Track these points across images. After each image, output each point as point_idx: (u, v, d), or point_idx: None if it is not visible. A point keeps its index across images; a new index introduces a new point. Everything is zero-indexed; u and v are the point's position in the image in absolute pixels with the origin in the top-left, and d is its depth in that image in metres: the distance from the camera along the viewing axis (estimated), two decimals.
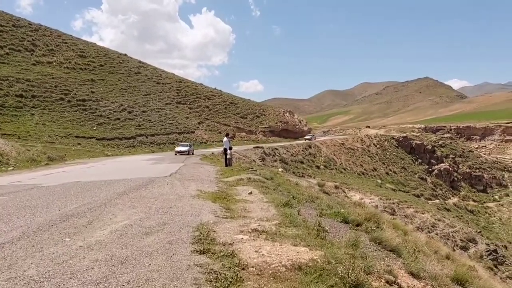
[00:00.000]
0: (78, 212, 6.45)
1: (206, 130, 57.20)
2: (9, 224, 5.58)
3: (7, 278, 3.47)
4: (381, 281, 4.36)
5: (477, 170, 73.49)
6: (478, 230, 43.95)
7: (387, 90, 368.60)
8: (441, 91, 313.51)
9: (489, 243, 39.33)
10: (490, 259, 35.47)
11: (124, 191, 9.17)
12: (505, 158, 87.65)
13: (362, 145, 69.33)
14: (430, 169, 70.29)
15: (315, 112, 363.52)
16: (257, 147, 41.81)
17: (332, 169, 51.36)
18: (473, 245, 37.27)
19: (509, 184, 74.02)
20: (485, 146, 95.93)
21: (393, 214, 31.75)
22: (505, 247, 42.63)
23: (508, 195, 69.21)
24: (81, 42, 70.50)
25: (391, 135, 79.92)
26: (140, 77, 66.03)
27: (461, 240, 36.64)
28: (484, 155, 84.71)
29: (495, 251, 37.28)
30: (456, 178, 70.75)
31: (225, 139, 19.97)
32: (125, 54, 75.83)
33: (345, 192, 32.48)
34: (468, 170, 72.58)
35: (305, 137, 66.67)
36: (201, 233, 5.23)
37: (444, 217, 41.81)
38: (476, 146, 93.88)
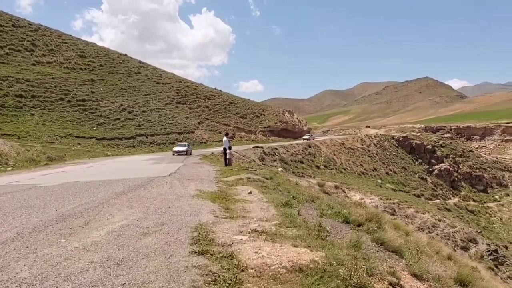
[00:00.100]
0: (75, 212, 6.35)
1: (206, 130, 57.11)
2: (4, 224, 5.48)
3: None
4: (384, 283, 4.26)
5: (477, 170, 73.39)
6: (479, 230, 43.86)
7: (387, 90, 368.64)
8: (441, 91, 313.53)
9: (489, 243, 39.25)
10: (490, 259, 35.39)
11: (123, 191, 9.07)
12: (505, 158, 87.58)
13: (362, 145, 69.23)
14: (431, 169, 70.20)
15: (315, 112, 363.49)
16: (257, 146, 41.71)
17: (332, 169, 51.26)
18: (474, 245, 37.19)
19: (509, 184, 73.92)
20: (485, 146, 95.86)
21: (393, 214, 31.66)
22: (506, 247, 42.55)
23: (508, 195, 69.13)
24: (81, 42, 70.42)
25: (391, 135, 79.83)
26: (140, 77, 65.95)
27: (461, 240, 36.55)
28: (484, 155, 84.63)
29: (495, 251, 37.20)
30: (456, 178, 70.66)
31: (224, 138, 19.90)
32: (125, 54, 75.75)
33: (345, 192, 32.39)
34: (468, 170, 72.48)
35: (303, 137, 65.57)
36: (199, 233, 5.13)
37: (445, 217, 41.73)
38: (476, 146, 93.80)
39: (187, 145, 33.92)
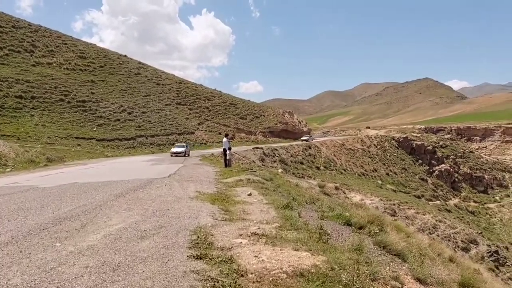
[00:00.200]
0: (72, 215, 6.25)
1: (206, 131, 57.02)
2: None
3: None
4: None
5: (477, 171, 73.29)
6: (479, 231, 43.75)
7: (387, 91, 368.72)
8: (441, 91, 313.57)
9: (490, 244, 39.14)
10: (491, 260, 35.30)
11: (121, 193, 8.97)
12: (505, 159, 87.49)
13: (362, 145, 69.13)
14: (431, 170, 70.12)
15: (314, 112, 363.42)
16: (257, 147, 41.60)
17: (332, 170, 51.16)
18: (474, 246, 37.09)
19: (509, 185, 73.80)
20: (486, 146, 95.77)
21: (393, 215, 31.54)
22: (506, 248, 42.44)
23: (508, 196, 69.03)
24: (81, 43, 70.38)
25: (392, 136, 79.76)
26: (140, 78, 65.90)
27: (462, 241, 36.46)
28: (484, 156, 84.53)
29: (496, 252, 37.09)
30: (456, 179, 70.56)
31: (224, 139, 19.80)
32: (125, 55, 75.72)
33: (345, 193, 32.29)
34: (468, 171, 72.37)
35: (302, 138, 64.80)
36: (198, 237, 5.03)
37: (445, 218, 41.64)
38: (477, 147, 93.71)
39: (185, 146, 33.59)
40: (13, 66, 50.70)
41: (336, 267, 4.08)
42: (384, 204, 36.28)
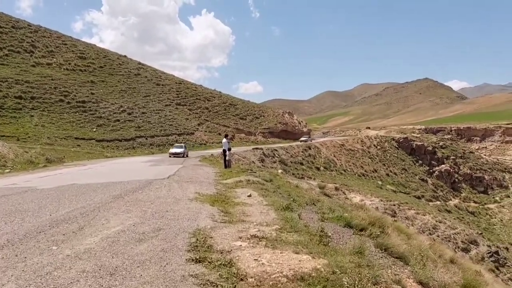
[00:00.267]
0: (69, 217, 6.18)
1: (205, 131, 56.97)
2: None
3: None
4: None
5: (477, 171, 73.22)
6: (479, 232, 43.69)
7: (387, 91, 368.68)
8: (441, 92, 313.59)
9: (490, 244, 39.09)
10: (491, 261, 35.24)
11: (120, 194, 8.91)
12: (505, 159, 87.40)
13: (362, 146, 69.07)
14: (431, 171, 70.06)
15: (314, 113, 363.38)
16: (256, 148, 41.52)
17: (332, 171, 51.10)
18: (475, 247, 37.03)
19: (509, 185, 73.74)
20: (486, 147, 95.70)
21: (394, 216, 31.48)
22: (507, 248, 42.39)
23: (509, 196, 68.97)
24: (81, 44, 70.35)
25: (392, 136, 79.72)
26: (140, 78, 65.86)
27: (462, 242, 36.41)
28: (484, 156, 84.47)
29: (496, 253, 37.04)
30: (457, 180, 70.50)
31: (224, 140, 19.73)
32: (125, 56, 75.68)
33: (345, 194, 32.21)
34: (468, 171, 72.32)
35: (300, 139, 64.30)
36: (197, 239, 4.96)
37: (445, 219, 41.57)
38: (477, 147, 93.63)
39: (184, 146, 33.21)
40: (12, 67, 50.66)
41: (337, 270, 4.01)
42: (384, 204, 36.22)
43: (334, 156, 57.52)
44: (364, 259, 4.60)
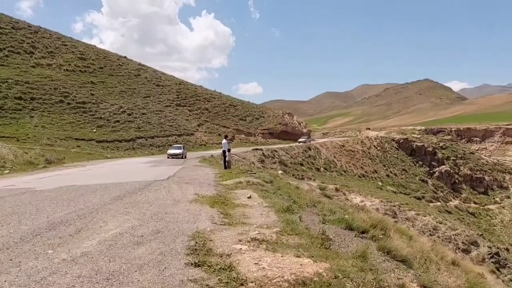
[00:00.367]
0: (67, 220, 6.08)
1: (205, 132, 56.89)
2: None
3: None
4: None
5: (478, 172, 73.12)
6: (480, 233, 43.59)
7: (387, 92, 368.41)
8: (441, 93, 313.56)
9: (491, 245, 38.97)
10: (492, 262, 35.11)
11: (119, 196, 8.83)
12: (505, 160, 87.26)
13: (363, 147, 68.96)
14: (431, 171, 69.94)
15: (314, 114, 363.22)
16: (256, 149, 41.44)
17: (332, 172, 50.99)
18: (475, 248, 36.92)
19: (510, 186, 73.62)
20: (486, 148, 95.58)
21: (394, 217, 31.38)
22: (507, 249, 42.30)
23: (509, 197, 68.86)
24: (81, 45, 70.30)
25: (392, 137, 79.60)
26: (140, 79, 65.79)
27: (463, 243, 36.30)
28: (485, 157, 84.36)
29: (497, 254, 36.92)
30: (457, 180, 70.40)
31: (224, 141, 19.66)
32: (125, 57, 75.60)
33: (345, 195, 32.11)
34: (469, 172, 72.21)
35: (299, 140, 63.54)
36: (196, 242, 4.88)
37: (446, 220, 41.46)
38: (477, 148, 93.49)
39: (182, 147, 32.79)
40: (12, 67, 50.59)
41: (340, 275, 3.92)
42: (384, 205, 36.11)
43: (334, 157, 57.42)
44: (367, 263, 4.52)
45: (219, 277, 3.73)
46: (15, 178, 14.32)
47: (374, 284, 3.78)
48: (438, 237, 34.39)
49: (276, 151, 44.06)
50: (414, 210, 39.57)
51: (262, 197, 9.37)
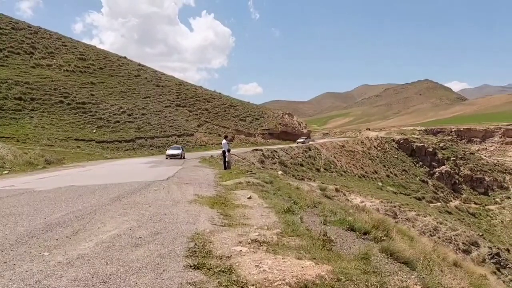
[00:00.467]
0: (64, 221, 5.99)
1: (205, 132, 56.81)
2: None
3: None
4: None
5: (478, 173, 73.04)
6: (480, 233, 43.51)
7: (387, 92, 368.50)
8: (441, 93, 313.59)
9: (491, 246, 38.88)
10: (492, 262, 35.02)
11: (118, 196, 8.74)
12: (505, 160, 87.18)
13: (363, 147, 68.87)
14: (431, 172, 69.87)
15: (314, 114, 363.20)
16: (256, 149, 41.37)
17: (332, 172, 50.90)
18: (476, 248, 36.83)
19: (510, 187, 73.54)
20: (486, 148, 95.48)
21: (394, 218, 31.29)
22: (508, 250, 42.20)
23: (509, 198, 68.78)
24: (81, 45, 70.23)
25: (392, 138, 79.52)
26: (140, 80, 65.72)
27: (463, 243, 36.20)
28: (485, 158, 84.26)
29: (497, 254, 36.83)
30: (457, 181, 70.32)
31: (223, 141, 19.57)
32: (125, 57, 75.53)
33: (345, 195, 32.02)
34: (469, 172, 72.14)
35: (298, 140, 62.94)
36: (196, 244, 4.79)
37: (446, 220, 41.37)
38: (477, 149, 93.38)
39: (181, 148, 32.39)
40: (12, 68, 50.51)
41: (342, 277, 3.83)
42: (384, 206, 36.02)
43: (334, 157, 57.32)
44: (369, 265, 4.42)
45: (218, 280, 3.65)
46: (14, 179, 14.24)
47: (378, 287, 3.69)
48: (439, 237, 34.29)
49: (276, 151, 43.98)
50: (415, 211, 39.47)
51: (262, 197, 9.28)
